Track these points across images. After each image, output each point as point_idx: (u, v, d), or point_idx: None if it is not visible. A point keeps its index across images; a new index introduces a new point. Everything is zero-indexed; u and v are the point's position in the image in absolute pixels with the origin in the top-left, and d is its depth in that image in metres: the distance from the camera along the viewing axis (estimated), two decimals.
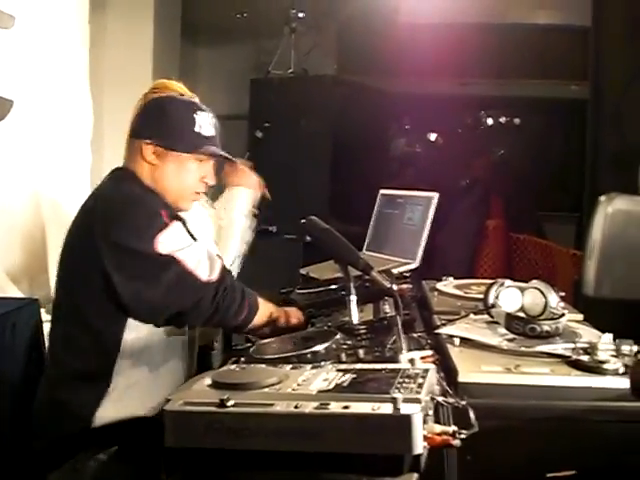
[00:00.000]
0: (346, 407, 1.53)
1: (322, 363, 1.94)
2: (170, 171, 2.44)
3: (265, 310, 2.48)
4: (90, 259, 2.24)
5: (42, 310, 2.95)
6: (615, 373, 1.89)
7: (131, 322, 2.29)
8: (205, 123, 2.50)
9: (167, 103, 2.50)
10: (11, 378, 2.69)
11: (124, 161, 2.51)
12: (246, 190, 3.11)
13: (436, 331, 2.28)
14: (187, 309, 2.25)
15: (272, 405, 1.58)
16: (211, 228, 3.08)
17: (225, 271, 2.35)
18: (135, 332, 2.30)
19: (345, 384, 1.69)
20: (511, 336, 2.14)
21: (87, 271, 2.26)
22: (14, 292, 3.43)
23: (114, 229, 2.23)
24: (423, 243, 3.23)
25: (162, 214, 2.30)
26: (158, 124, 2.46)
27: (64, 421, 2.29)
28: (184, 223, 2.42)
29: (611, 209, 2.02)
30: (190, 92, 2.60)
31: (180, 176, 2.46)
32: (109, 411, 2.27)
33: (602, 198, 2.05)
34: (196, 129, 2.47)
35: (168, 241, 2.23)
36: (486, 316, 2.30)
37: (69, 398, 2.28)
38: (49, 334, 2.46)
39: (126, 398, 2.29)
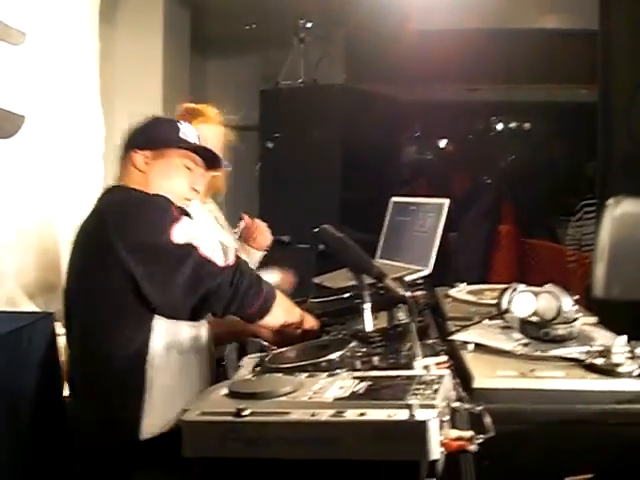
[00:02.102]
0: (362, 414, 1.54)
1: (337, 371, 1.94)
2: (160, 175, 2.51)
3: (287, 303, 2.49)
4: (110, 265, 2.25)
5: (57, 324, 2.96)
6: (630, 376, 1.89)
7: (156, 326, 2.30)
8: (189, 132, 2.60)
9: (156, 119, 2.67)
10: (27, 392, 2.69)
11: (117, 177, 2.60)
12: (256, 252, 3.31)
13: (450, 337, 2.28)
14: (207, 295, 2.25)
15: (288, 414, 1.59)
16: (212, 222, 3.15)
17: (239, 257, 2.36)
18: (161, 336, 2.30)
19: (361, 391, 1.70)
20: (525, 341, 2.14)
21: (108, 278, 2.27)
22: (29, 307, 3.44)
23: (129, 230, 2.26)
24: (435, 250, 3.23)
25: (172, 209, 2.34)
26: (144, 133, 2.56)
27: (111, 437, 2.28)
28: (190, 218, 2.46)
29: (619, 212, 2.03)
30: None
31: (170, 180, 2.52)
32: (155, 419, 2.27)
33: (610, 201, 2.06)
34: (180, 134, 2.56)
35: (182, 231, 2.26)
36: (500, 321, 2.30)
37: (110, 414, 2.28)
38: (69, 354, 2.47)
39: (166, 404, 2.28)
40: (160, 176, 2.50)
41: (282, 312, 2.46)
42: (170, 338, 2.33)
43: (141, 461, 2.25)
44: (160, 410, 2.28)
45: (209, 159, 2.65)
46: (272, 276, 3.06)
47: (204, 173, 2.66)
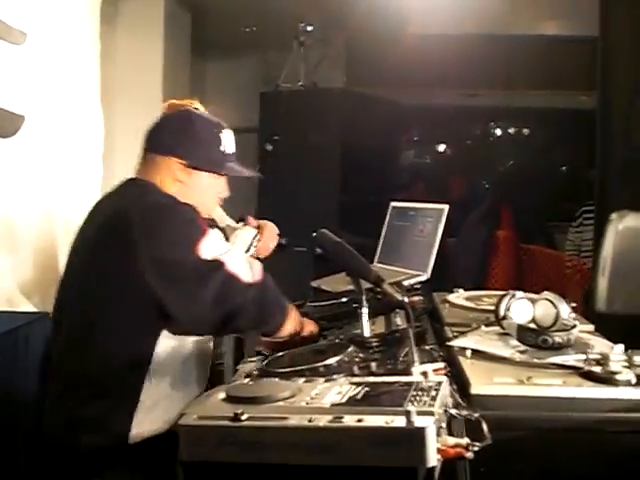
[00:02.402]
0: (360, 420, 1.54)
1: (335, 376, 1.94)
2: (195, 188, 2.46)
3: (294, 313, 2.50)
4: (129, 273, 2.20)
5: None
6: (628, 384, 1.88)
7: (163, 333, 2.27)
8: (229, 142, 2.54)
9: (194, 120, 2.52)
10: (24, 392, 2.70)
11: (140, 174, 2.50)
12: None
13: (448, 343, 2.28)
14: (235, 312, 2.23)
15: (286, 419, 1.58)
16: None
17: (265, 272, 2.36)
18: (165, 343, 2.28)
19: (358, 397, 1.70)
20: (523, 348, 2.14)
21: (124, 286, 2.22)
22: (26, 306, 3.44)
23: (155, 243, 2.21)
24: (434, 255, 3.23)
25: (200, 221, 2.32)
26: (187, 142, 2.47)
27: (97, 438, 2.23)
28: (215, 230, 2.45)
29: (622, 226, 2.03)
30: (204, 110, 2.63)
31: (203, 193, 2.49)
32: (145, 425, 2.25)
33: (613, 216, 2.06)
34: (222, 148, 2.51)
35: (210, 247, 2.24)
36: (497, 328, 2.29)
37: (99, 414, 2.24)
38: (58, 351, 2.40)
39: (158, 411, 2.27)
40: (195, 190, 2.46)
41: (291, 324, 2.47)
42: (175, 346, 2.31)
43: (127, 464, 2.24)
44: (152, 415, 2.27)
45: None
46: (250, 231, 3.05)
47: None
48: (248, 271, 2.27)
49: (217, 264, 2.22)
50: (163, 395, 2.29)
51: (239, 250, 2.44)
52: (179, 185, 2.43)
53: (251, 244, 3.01)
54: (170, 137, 2.49)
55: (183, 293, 2.20)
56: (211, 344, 2.53)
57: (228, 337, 3.31)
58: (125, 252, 2.22)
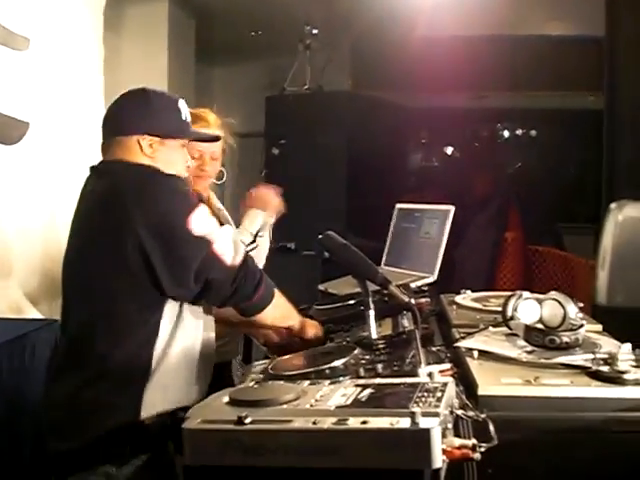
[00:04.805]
0: (364, 422, 1.53)
1: (340, 378, 1.94)
2: (164, 160, 2.45)
3: (286, 307, 2.50)
4: (126, 243, 2.20)
5: None
6: (636, 383, 1.87)
7: (167, 306, 2.28)
8: (185, 110, 2.55)
9: (151, 95, 2.52)
10: (31, 397, 2.70)
11: (107, 157, 2.48)
12: (256, 211, 3.18)
13: (455, 344, 2.27)
14: (210, 287, 2.26)
15: (290, 422, 1.57)
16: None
17: (247, 255, 2.37)
18: (169, 315, 2.28)
19: (363, 399, 1.68)
20: (530, 348, 2.13)
21: (122, 258, 2.22)
22: (33, 313, 3.44)
23: (149, 210, 2.23)
24: (440, 257, 3.22)
25: (190, 193, 2.35)
26: (148, 116, 2.47)
27: (109, 419, 2.21)
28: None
29: (622, 217, 2.01)
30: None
31: (172, 164, 2.48)
32: (157, 401, 2.24)
33: (612, 205, 2.04)
34: (182, 116, 2.52)
35: (200, 223, 2.25)
36: (505, 328, 2.28)
37: (109, 394, 2.22)
38: (66, 334, 2.40)
39: (169, 386, 2.26)
40: (165, 162, 2.44)
41: (278, 313, 2.47)
42: (179, 318, 2.31)
43: (138, 441, 2.22)
44: (163, 392, 2.26)
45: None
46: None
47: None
48: (232, 253, 2.29)
49: (204, 242, 2.24)
50: (173, 368, 2.28)
51: (227, 229, 2.44)
52: (148, 160, 2.43)
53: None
54: (131, 116, 2.48)
55: (171, 260, 2.21)
56: (213, 335, 2.52)
57: (236, 342, 3.31)
58: (120, 223, 2.22)
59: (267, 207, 3.21)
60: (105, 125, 2.51)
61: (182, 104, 2.54)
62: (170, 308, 2.28)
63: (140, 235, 2.19)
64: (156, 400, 2.24)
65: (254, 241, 3.09)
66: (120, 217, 2.23)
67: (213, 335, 2.48)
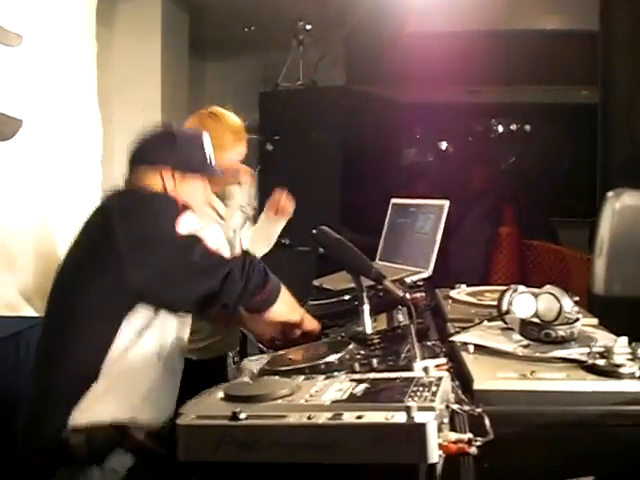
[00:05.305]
0: (360, 417, 1.51)
1: (335, 373, 1.93)
2: (185, 196, 2.50)
3: (291, 300, 2.48)
4: (107, 255, 2.22)
5: None
6: (631, 377, 1.87)
7: (129, 318, 2.26)
8: (209, 148, 2.63)
9: (177, 131, 2.64)
10: (25, 395, 2.68)
11: (127, 184, 2.56)
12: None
13: (450, 339, 2.27)
14: (217, 287, 2.22)
15: (285, 417, 1.56)
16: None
17: (244, 251, 2.37)
18: (126, 330, 2.27)
19: (358, 394, 1.68)
20: (526, 342, 2.12)
21: (101, 270, 2.24)
22: (27, 311, 3.43)
23: (133, 224, 2.25)
24: (435, 251, 3.22)
25: (175, 203, 2.38)
26: (175, 153, 2.54)
27: (45, 429, 2.26)
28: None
29: (619, 205, 2.00)
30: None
31: (192, 198, 2.54)
32: (84, 414, 2.22)
33: (610, 194, 2.03)
34: (209, 162, 2.60)
35: (187, 223, 2.27)
36: (500, 323, 2.28)
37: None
38: (41, 347, 2.42)
39: (103, 401, 2.24)
40: (185, 194, 2.52)
41: (285, 308, 2.44)
42: (136, 336, 2.29)
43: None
44: (96, 406, 2.23)
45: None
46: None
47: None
48: (228, 247, 2.29)
49: (195, 238, 2.25)
50: (114, 385, 2.26)
51: (216, 228, 2.46)
52: (170, 192, 2.48)
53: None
54: (157, 150, 2.56)
55: (162, 271, 2.21)
56: (187, 333, 2.52)
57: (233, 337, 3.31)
58: (104, 238, 2.25)
59: (287, 215, 3.50)
60: (132, 155, 2.58)
61: (207, 141, 2.62)
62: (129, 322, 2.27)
63: (122, 253, 2.20)
64: (104, 410, 2.23)
65: None
66: (104, 235, 2.26)
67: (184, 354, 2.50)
